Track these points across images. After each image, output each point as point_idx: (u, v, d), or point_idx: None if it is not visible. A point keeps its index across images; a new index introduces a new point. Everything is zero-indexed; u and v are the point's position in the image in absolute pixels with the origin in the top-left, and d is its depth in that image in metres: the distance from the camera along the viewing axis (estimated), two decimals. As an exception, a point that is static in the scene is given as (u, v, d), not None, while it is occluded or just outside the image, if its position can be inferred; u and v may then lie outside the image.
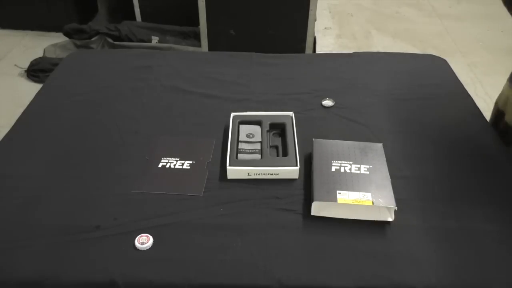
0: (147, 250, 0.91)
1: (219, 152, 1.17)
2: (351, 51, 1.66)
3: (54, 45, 2.71)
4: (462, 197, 1.05)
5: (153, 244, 0.92)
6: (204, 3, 2.21)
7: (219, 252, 0.91)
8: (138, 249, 0.91)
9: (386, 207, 0.97)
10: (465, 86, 1.48)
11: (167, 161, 1.14)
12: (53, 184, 1.07)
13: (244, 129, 1.21)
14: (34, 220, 0.98)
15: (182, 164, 1.13)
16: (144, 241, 0.92)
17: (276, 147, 1.17)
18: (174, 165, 1.12)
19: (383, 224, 0.97)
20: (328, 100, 1.37)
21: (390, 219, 0.97)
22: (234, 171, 1.08)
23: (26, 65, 2.52)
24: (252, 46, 1.78)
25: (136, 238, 0.93)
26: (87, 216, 0.99)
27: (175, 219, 0.98)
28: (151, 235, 0.94)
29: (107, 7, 3.04)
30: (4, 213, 1.00)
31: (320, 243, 0.94)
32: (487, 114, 1.36)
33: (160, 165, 1.12)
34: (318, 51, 2.54)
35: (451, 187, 1.07)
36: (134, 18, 2.79)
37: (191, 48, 2.63)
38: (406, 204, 1.01)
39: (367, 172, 1.05)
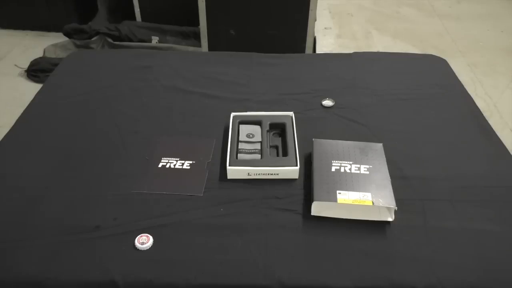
0: (147, 250, 0.91)
1: (219, 152, 1.17)
2: (351, 51, 1.66)
3: (54, 45, 2.70)
4: (462, 197, 1.05)
5: (153, 244, 0.92)
6: (204, 3, 2.21)
7: (219, 252, 0.91)
8: (138, 249, 0.91)
9: (386, 207, 0.97)
10: (465, 86, 1.48)
11: (167, 161, 1.13)
12: (53, 184, 1.07)
13: (244, 129, 1.21)
14: (34, 220, 0.98)
15: (182, 164, 1.13)
16: (144, 241, 0.92)
17: (276, 147, 1.17)
18: (174, 165, 1.12)
19: (383, 224, 0.97)
20: (328, 100, 1.36)
21: (390, 219, 0.97)
22: (234, 171, 1.08)
23: (26, 65, 2.52)
24: (252, 46, 1.78)
25: (136, 238, 0.93)
26: (87, 216, 0.99)
27: (175, 219, 0.98)
28: (151, 235, 0.94)
29: (107, 7, 3.03)
30: (4, 213, 1.00)
31: (320, 243, 0.94)
32: (487, 114, 1.36)
33: (160, 165, 1.12)
34: (318, 51, 2.54)
35: (451, 187, 1.07)
36: (134, 18, 2.79)
37: (191, 48, 2.62)
38: (406, 204, 1.01)
39: (367, 172, 1.05)
